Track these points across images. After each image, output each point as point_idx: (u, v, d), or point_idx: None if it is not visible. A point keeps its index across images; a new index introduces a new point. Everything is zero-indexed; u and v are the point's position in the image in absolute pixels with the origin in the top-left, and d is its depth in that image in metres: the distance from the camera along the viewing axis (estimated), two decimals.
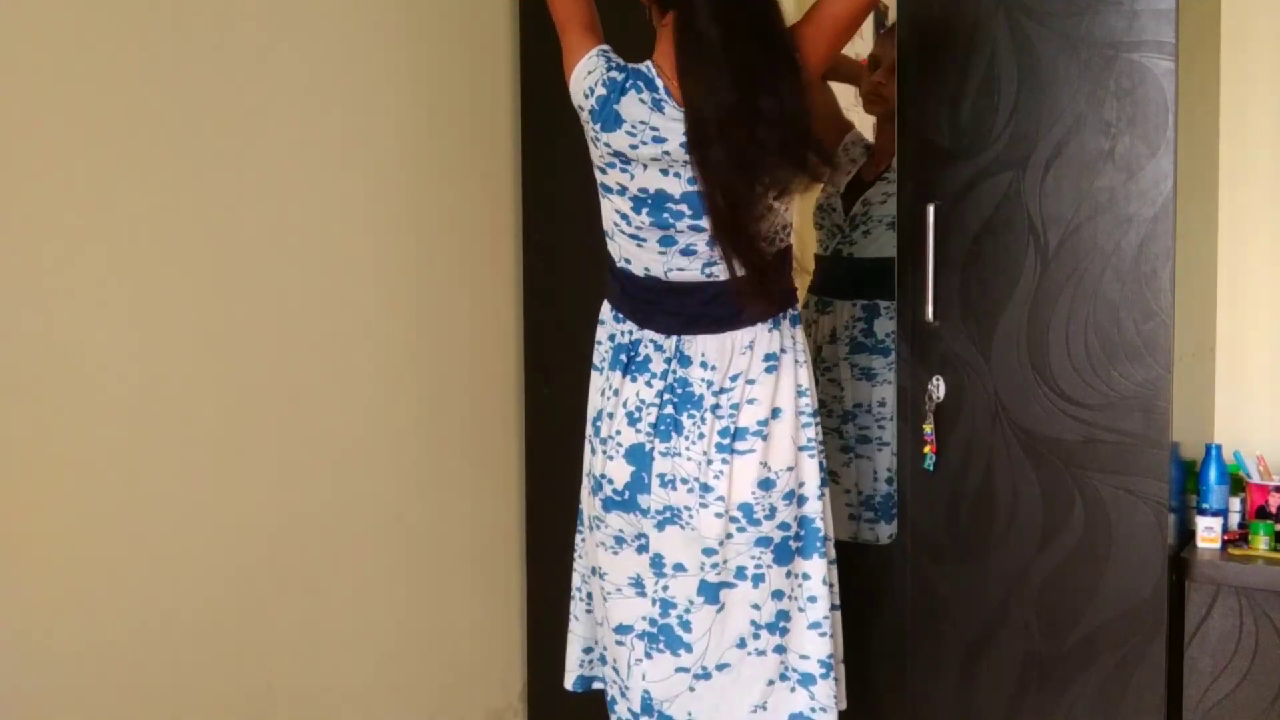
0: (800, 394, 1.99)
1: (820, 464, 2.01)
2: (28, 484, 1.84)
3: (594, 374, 2.07)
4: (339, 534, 2.37)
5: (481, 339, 2.73)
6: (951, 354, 2.22)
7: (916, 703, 2.30)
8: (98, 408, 1.93)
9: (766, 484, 1.94)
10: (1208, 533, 2.17)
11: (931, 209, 2.19)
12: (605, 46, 1.97)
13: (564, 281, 2.72)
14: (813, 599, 1.99)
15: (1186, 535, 2.24)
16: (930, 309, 2.20)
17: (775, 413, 1.96)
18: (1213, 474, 2.20)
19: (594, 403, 2.05)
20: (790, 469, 1.96)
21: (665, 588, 1.96)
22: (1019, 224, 2.16)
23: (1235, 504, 2.24)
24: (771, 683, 1.99)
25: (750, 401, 1.94)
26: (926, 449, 2.24)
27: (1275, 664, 2.05)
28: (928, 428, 2.24)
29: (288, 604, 2.27)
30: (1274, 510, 2.19)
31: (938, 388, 2.23)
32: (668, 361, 1.97)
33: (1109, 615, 2.11)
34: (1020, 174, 2.15)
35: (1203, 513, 2.19)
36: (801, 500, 1.98)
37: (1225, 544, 2.17)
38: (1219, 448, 2.22)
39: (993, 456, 2.20)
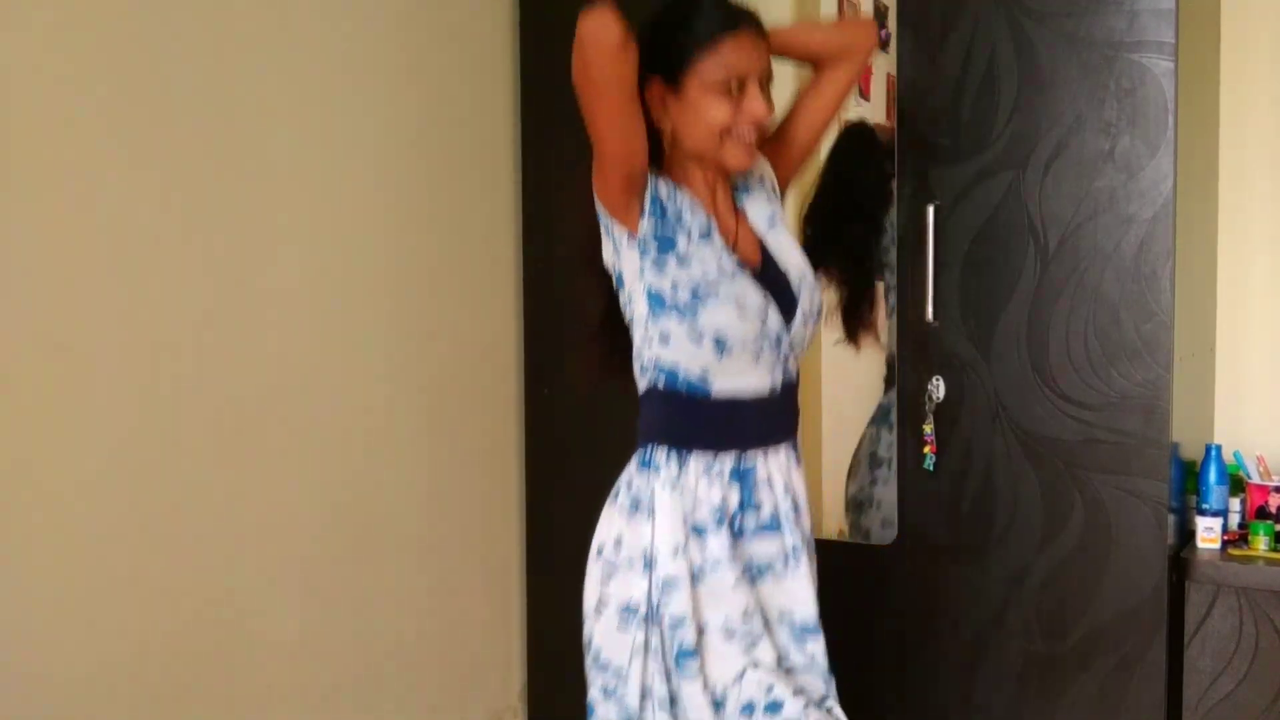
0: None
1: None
2: (27, 484, 1.84)
3: None
4: (339, 534, 2.37)
5: (481, 340, 2.73)
6: (951, 354, 2.22)
7: (917, 703, 2.30)
8: (98, 409, 1.93)
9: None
10: (1208, 533, 2.17)
11: (931, 209, 2.19)
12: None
13: (564, 282, 2.72)
14: None
15: (1186, 535, 2.24)
16: (930, 309, 2.20)
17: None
18: (1213, 474, 2.20)
19: None
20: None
21: None
22: (1019, 224, 2.16)
23: (1235, 504, 2.24)
24: None
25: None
26: (926, 449, 2.24)
27: (1275, 664, 2.05)
28: (928, 428, 2.24)
29: (288, 604, 2.26)
30: (1274, 510, 2.19)
31: (938, 388, 2.23)
32: None
33: (1109, 615, 2.11)
34: (1020, 174, 2.15)
35: (1203, 513, 2.19)
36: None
37: (1225, 544, 2.17)
38: (1219, 448, 2.22)
39: (993, 456, 2.20)
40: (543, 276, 2.76)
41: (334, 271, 2.35)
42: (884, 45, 2.64)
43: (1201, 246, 2.38)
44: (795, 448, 1.83)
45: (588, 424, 2.66)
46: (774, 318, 1.72)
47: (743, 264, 1.74)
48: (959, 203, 2.20)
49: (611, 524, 1.76)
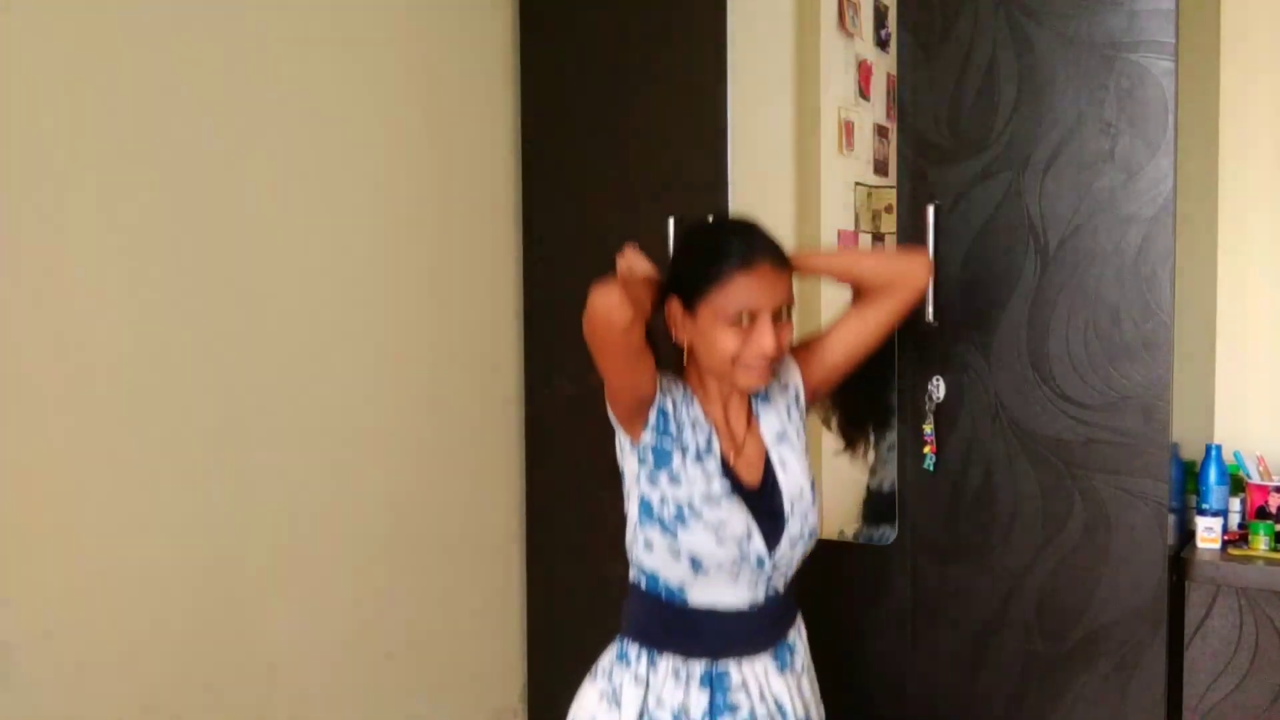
0: None
1: None
2: (28, 483, 1.84)
3: None
4: (340, 533, 2.37)
5: (482, 339, 2.73)
6: (951, 354, 2.22)
7: (917, 703, 2.30)
8: (99, 406, 1.93)
9: None
10: (1208, 533, 2.17)
11: (931, 209, 2.19)
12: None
13: (564, 282, 2.72)
14: None
15: (1186, 535, 2.24)
16: (930, 309, 2.20)
17: None
18: (1213, 474, 2.20)
19: None
20: None
21: None
22: (1019, 224, 2.16)
23: (1235, 504, 2.24)
24: None
25: None
26: (926, 449, 2.24)
27: (1275, 664, 2.05)
28: (928, 428, 2.24)
29: (289, 604, 2.27)
30: (1274, 510, 2.19)
31: (938, 388, 2.23)
32: None
33: (1109, 615, 2.11)
34: (1020, 174, 2.15)
35: (1203, 513, 2.19)
36: None
37: (1225, 544, 2.17)
38: (1219, 448, 2.22)
39: (993, 456, 2.20)
40: (543, 276, 2.77)
41: (335, 272, 2.35)
42: (884, 45, 2.65)
43: (1201, 246, 2.38)
44: (788, 652, 1.82)
45: (588, 424, 2.66)
46: (756, 543, 1.73)
47: (736, 486, 1.75)
48: (959, 203, 2.20)
49: (586, 703, 1.80)
